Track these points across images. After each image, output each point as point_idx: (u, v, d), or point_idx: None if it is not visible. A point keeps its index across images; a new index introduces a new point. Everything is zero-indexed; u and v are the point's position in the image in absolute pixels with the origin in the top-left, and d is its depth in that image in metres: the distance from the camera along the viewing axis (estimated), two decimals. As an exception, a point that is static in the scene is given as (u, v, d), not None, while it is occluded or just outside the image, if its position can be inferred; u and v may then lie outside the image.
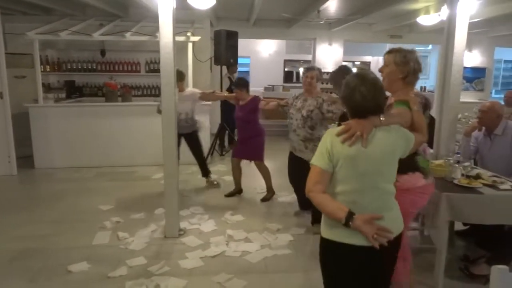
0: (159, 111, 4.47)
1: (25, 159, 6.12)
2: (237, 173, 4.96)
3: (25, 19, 6.72)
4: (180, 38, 6.15)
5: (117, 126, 6.12)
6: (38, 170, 6.04)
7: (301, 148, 3.92)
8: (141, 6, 6.12)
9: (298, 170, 3.83)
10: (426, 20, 6.94)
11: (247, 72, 13.99)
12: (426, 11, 6.86)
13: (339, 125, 2.05)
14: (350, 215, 1.66)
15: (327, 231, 1.79)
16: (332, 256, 1.80)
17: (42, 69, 6.46)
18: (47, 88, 6.83)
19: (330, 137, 1.76)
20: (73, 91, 7.19)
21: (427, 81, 13.40)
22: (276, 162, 5.18)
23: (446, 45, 3.66)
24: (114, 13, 6.87)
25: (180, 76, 4.82)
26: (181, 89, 4.90)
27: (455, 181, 2.94)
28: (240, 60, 7.46)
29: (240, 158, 4.87)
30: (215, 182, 5.34)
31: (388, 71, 2.38)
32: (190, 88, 5.12)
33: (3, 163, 5.72)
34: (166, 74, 3.56)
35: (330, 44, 9.78)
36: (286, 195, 4.92)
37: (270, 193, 4.85)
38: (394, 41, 10.25)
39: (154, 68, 7.35)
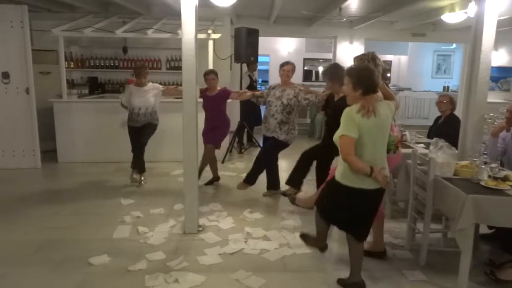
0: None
1: (49, 153, 6.25)
2: (213, 161, 5.18)
3: (51, 16, 6.87)
4: (201, 36, 6.17)
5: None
6: (61, 164, 6.17)
7: (276, 129, 4.52)
8: (163, 4, 6.17)
9: (267, 148, 4.64)
10: (451, 18, 6.77)
11: (267, 71, 13.98)
12: (451, 8, 6.69)
13: (325, 112, 2.86)
14: (372, 169, 2.42)
15: (348, 181, 2.52)
16: (349, 196, 2.55)
17: (66, 66, 6.60)
18: (71, 84, 6.98)
19: (354, 114, 2.42)
20: (96, 87, 7.32)
21: (451, 80, 13.10)
22: (293, 160, 5.13)
23: (474, 43, 3.56)
24: (137, 11, 6.95)
25: (140, 72, 4.94)
26: (143, 84, 4.99)
27: (482, 183, 2.86)
28: (259, 59, 7.45)
29: (211, 144, 5.07)
30: (143, 181, 5.22)
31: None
32: (151, 83, 5.14)
33: (28, 156, 5.87)
34: (188, 71, 3.57)
35: (351, 43, 9.65)
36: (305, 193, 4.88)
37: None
38: (416, 40, 10.07)
39: (174, 65, 7.42)
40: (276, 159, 4.81)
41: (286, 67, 4.57)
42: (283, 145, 4.61)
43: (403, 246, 3.53)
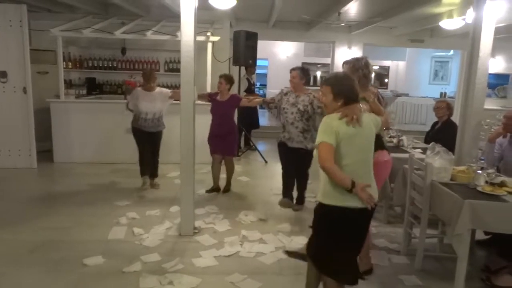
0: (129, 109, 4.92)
1: (45, 153, 6.22)
2: (217, 169, 5.06)
3: (50, 16, 6.86)
4: (200, 38, 6.18)
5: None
6: (57, 164, 6.14)
7: (300, 139, 4.21)
8: (162, 6, 6.16)
9: (296, 161, 4.27)
10: (449, 24, 6.80)
11: (265, 74, 14.00)
12: (450, 15, 6.73)
13: None
14: (353, 183, 2.11)
15: (330, 199, 2.21)
16: (332, 218, 2.23)
17: (64, 66, 6.58)
18: (69, 84, 6.95)
19: (334, 121, 2.20)
20: (94, 88, 7.30)
21: (448, 87, 13.15)
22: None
23: (471, 49, 3.58)
24: (136, 13, 6.94)
25: (149, 77, 4.81)
26: (151, 89, 4.86)
27: (479, 188, 2.86)
28: (258, 62, 7.45)
29: (220, 154, 4.97)
30: (156, 186, 5.16)
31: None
32: (159, 88, 4.98)
33: (24, 156, 5.84)
34: (186, 73, 3.57)
35: (349, 48, 9.68)
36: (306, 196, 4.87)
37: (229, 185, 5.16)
38: (415, 46, 10.11)
39: (173, 67, 7.41)
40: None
41: (291, 74, 4.29)
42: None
43: (399, 251, 3.52)
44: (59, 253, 3.30)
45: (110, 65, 7.39)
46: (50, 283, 2.87)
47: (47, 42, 6.35)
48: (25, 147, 5.82)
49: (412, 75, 13.77)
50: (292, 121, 4.21)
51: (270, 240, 3.68)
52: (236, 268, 3.14)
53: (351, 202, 2.15)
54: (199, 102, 5.28)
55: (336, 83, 2.31)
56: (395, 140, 4.69)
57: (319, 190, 2.30)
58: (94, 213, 4.23)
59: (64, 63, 6.61)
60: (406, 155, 3.77)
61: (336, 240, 2.23)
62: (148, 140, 4.95)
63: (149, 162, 5.05)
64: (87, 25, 6.36)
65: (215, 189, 5.05)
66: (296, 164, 4.33)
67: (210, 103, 4.94)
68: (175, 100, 5.10)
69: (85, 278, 2.95)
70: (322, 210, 2.27)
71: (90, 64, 7.33)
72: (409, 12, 6.54)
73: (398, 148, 4.50)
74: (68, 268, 3.07)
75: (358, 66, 2.98)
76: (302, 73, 4.25)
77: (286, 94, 4.37)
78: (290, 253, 3.36)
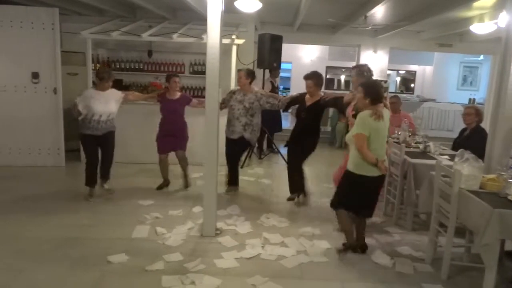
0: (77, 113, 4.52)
1: (73, 153, 6.39)
2: (166, 166, 5.16)
3: (80, 19, 7.06)
4: (226, 41, 6.23)
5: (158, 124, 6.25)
6: (83, 163, 6.26)
7: (241, 130, 4.81)
8: (188, 9, 6.26)
9: (235, 149, 4.95)
10: (480, 28, 6.62)
11: (288, 78, 13.98)
12: (480, 18, 6.55)
13: (354, 116, 3.50)
14: (377, 160, 3.20)
15: (362, 170, 3.26)
16: (359, 182, 3.30)
17: (93, 67, 6.74)
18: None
19: (367, 118, 3.19)
20: (121, 89, 7.42)
21: (477, 93, 12.80)
22: (315, 169, 5.10)
23: (504, 53, 3.47)
24: (163, 15, 7.07)
25: (108, 76, 4.63)
26: (105, 89, 4.62)
27: (509, 197, 2.77)
28: (282, 65, 7.45)
29: (169, 151, 5.08)
30: (111, 191, 4.87)
31: (354, 80, 3.95)
32: (111, 89, 4.74)
33: (53, 155, 6.02)
34: (211, 75, 3.60)
35: (375, 52, 9.56)
36: (325, 201, 4.83)
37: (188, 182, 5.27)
38: (443, 50, 9.89)
39: (197, 69, 7.49)
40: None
41: (239, 73, 4.89)
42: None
43: (424, 259, 3.44)
44: (84, 250, 3.39)
45: (137, 67, 7.54)
46: (73, 279, 2.95)
47: (77, 44, 6.54)
48: (54, 146, 6.00)
49: (440, 80, 13.46)
50: (237, 116, 4.80)
51: (292, 243, 3.66)
52: (257, 270, 3.14)
53: (373, 172, 3.25)
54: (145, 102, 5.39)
55: (366, 86, 3.30)
56: (421, 146, 4.59)
57: (349, 163, 3.35)
58: (118, 211, 4.32)
59: (93, 64, 6.77)
60: (433, 162, 3.69)
61: (362, 195, 3.35)
62: (100, 144, 4.69)
63: (101, 168, 4.76)
64: (115, 28, 6.51)
65: (166, 184, 5.19)
66: (234, 152, 4.99)
67: (159, 103, 5.05)
68: (128, 101, 5.03)
69: (108, 275, 3.01)
70: (354, 177, 3.30)
71: (118, 66, 7.49)
72: (438, 16, 6.40)
73: (424, 154, 4.40)
74: (91, 264, 3.14)
75: (363, 70, 3.87)
76: (247, 74, 4.85)
77: (234, 92, 4.97)
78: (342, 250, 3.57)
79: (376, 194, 3.41)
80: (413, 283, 3.07)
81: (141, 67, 7.54)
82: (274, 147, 7.61)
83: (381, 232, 4.03)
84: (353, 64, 10.47)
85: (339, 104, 4.35)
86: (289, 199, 4.83)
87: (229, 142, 4.95)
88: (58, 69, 5.87)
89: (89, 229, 3.82)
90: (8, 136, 5.90)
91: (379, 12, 6.87)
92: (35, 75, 5.85)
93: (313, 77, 4.52)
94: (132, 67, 7.53)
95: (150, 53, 7.51)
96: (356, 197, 3.35)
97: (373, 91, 3.25)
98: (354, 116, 3.61)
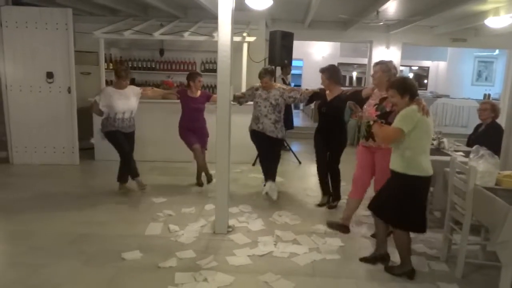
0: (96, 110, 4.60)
1: (87, 151, 6.48)
2: (203, 157, 5.17)
3: (92, 19, 7.14)
4: (236, 39, 6.23)
5: (172, 122, 6.28)
6: (97, 161, 6.37)
7: (272, 129, 4.70)
8: (199, 7, 6.27)
9: (269, 147, 4.79)
10: (495, 22, 6.49)
11: (300, 75, 13.92)
12: (496, 12, 6.42)
13: (319, 110, 3.88)
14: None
15: (416, 170, 2.90)
16: (412, 184, 2.94)
17: (106, 67, 6.82)
18: (110, 84, 7.19)
19: (415, 113, 2.86)
20: (134, 88, 7.52)
21: (492, 88, 12.56)
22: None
23: (520, 48, 3.39)
24: (174, 14, 7.11)
25: (126, 73, 4.58)
26: (123, 87, 4.62)
27: (526, 194, 2.71)
28: (293, 63, 7.42)
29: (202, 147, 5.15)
30: (144, 185, 4.80)
31: (378, 76, 3.66)
32: (130, 86, 4.73)
33: (67, 153, 6.11)
34: (223, 73, 3.61)
35: (387, 47, 9.45)
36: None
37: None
38: (457, 45, 9.72)
39: (209, 67, 7.51)
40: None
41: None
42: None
43: (438, 257, 3.40)
44: (98, 246, 3.43)
45: (149, 66, 7.60)
46: (90, 275, 2.99)
47: (90, 44, 6.62)
48: (69, 144, 6.09)
49: (454, 75, 13.25)
50: (265, 113, 4.68)
51: (304, 241, 3.65)
52: (270, 267, 3.14)
53: (426, 172, 2.94)
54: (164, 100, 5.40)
55: (400, 85, 2.96)
56: (435, 142, 4.52)
57: (397, 164, 2.98)
58: (132, 209, 4.37)
59: (106, 64, 6.85)
60: (447, 158, 3.64)
61: (414, 202, 2.99)
62: (127, 141, 4.69)
63: (129, 162, 4.73)
64: (128, 27, 6.58)
65: (210, 177, 5.24)
66: (267, 150, 4.86)
67: (178, 100, 5.07)
68: (147, 98, 5.01)
69: (123, 272, 3.04)
70: (406, 179, 2.94)
71: (130, 65, 7.55)
72: (452, 10, 6.30)
73: (438, 150, 4.34)
74: (106, 261, 3.19)
75: (390, 66, 3.69)
76: (271, 75, 4.78)
77: (257, 89, 4.81)
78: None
79: (424, 200, 3.03)
80: (427, 281, 3.04)
81: (153, 66, 7.60)
82: (286, 145, 7.59)
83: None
84: (365, 60, 10.42)
85: (358, 98, 4.03)
86: (321, 204, 4.67)
87: (261, 136, 4.74)
88: (72, 69, 5.95)
89: (103, 226, 3.87)
90: (24, 135, 6.01)
91: (391, 7, 6.79)
92: (50, 75, 5.93)
93: (326, 71, 4.43)
94: (144, 66, 7.59)
95: (162, 52, 7.56)
96: (414, 204, 2.93)
97: (409, 86, 2.93)
98: (379, 116, 3.43)
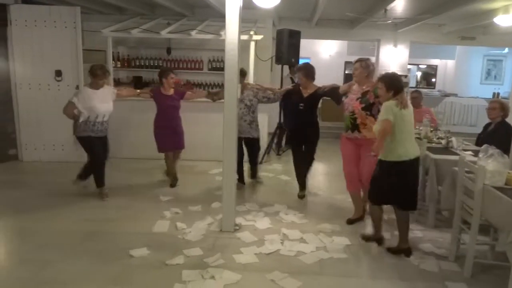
0: None
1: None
2: (173, 161, 5.11)
3: (100, 17, 7.18)
4: (244, 37, 6.21)
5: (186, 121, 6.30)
6: (109, 159, 6.39)
7: (248, 129, 4.89)
8: (206, 6, 6.28)
9: (242, 149, 4.94)
10: (505, 20, 6.42)
11: (306, 73, 13.87)
12: (506, 10, 6.35)
13: (363, 109, 3.83)
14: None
15: (397, 156, 3.27)
16: (396, 169, 3.29)
17: (114, 65, 6.87)
18: (117, 82, 7.25)
19: (392, 106, 3.22)
20: (140, 86, 7.53)
21: (501, 87, 12.42)
22: (335, 165, 5.05)
23: (531, 46, 3.35)
24: (181, 13, 7.12)
25: (97, 72, 4.27)
26: (100, 86, 4.35)
27: (536, 194, 2.68)
28: (300, 61, 7.41)
29: (175, 149, 5.07)
30: (107, 194, 4.60)
31: (358, 72, 3.93)
32: (105, 86, 4.44)
33: (78, 150, 6.13)
34: (230, 71, 3.61)
35: (395, 46, 9.41)
36: (342, 198, 4.80)
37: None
38: (465, 43, 9.65)
39: (216, 66, 7.54)
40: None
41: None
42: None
43: (447, 256, 3.37)
44: (106, 244, 3.46)
45: (156, 64, 7.64)
46: (98, 272, 3.01)
47: (98, 42, 6.65)
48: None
49: (462, 74, 13.12)
50: (241, 115, 4.79)
51: (311, 239, 3.64)
52: (276, 266, 3.14)
53: (410, 155, 3.29)
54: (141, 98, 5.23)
55: (388, 80, 3.33)
56: (443, 142, 4.49)
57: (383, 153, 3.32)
58: (139, 206, 4.39)
59: (113, 62, 6.90)
60: (455, 157, 3.61)
61: (399, 184, 3.33)
62: (101, 146, 4.47)
63: (100, 168, 4.55)
64: (135, 26, 6.60)
65: (176, 180, 5.13)
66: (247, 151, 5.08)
67: (152, 99, 4.97)
68: (123, 97, 4.83)
69: (130, 269, 3.06)
70: (387, 165, 3.32)
71: (137, 63, 7.61)
72: (461, 8, 6.25)
73: (447, 149, 4.31)
74: (114, 258, 3.21)
75: (369, 63, 3.96)
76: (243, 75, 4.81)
77: None
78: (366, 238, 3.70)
79: (414, 181, 3.36)
80: (435, 281, 3.02)
81: (160, 64, 7.63)
82: (293, 143, 7.57)
83: (402, 228, 3.97)
84: (373, 59, 10.35)
85: (336, 94, 4.47)
86: (302, 196, 4.85)
87: (240, 142, 4.80)
88: (80, 67, 5.99)
89: (111, 223, 3.90)
90: (33, 132, 6.06)
91: (399, 5, 6.75)
92: (58, 73, 5.98)
93: (303, 69, 4.67)
94: (152, 64, 7.64)
95: (169, 50, 7.60)
96: (403, 186, 3.29)
97: (395, 82, 3.31)
98: (363, 109, 3.85)
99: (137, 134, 6.38)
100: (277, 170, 6.14)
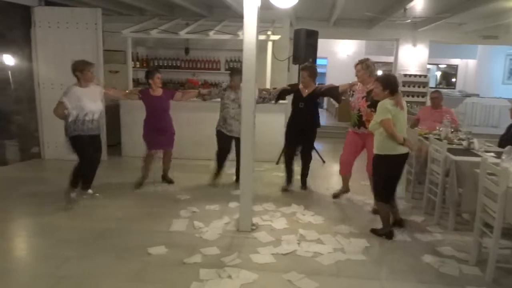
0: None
1: (114, 147, 6.63)
2: (152, 163, 5.05)
3: (120, 18, 7.30)
4: (261, 37, 6.24)
5: (196, 120, 6.36)
6: (124, 157, 6.52)
7: (240, 129, 4.74)
8: (224, 6, 6.32)
9: (230, 148, 5.02)
10: (529, 19, 6.26)
11: (324, 74, 13.80)
12: (530, 8, 6.19)
13: (369, 106, 4.12)
14: (404, 139, 3.54)
15: (384, 151, 3.60)
16: (386, 162, 3.62)
17: (133, 65, 6.97)
18: (136, 82, 7.35)
19: (389, 106, 3.50)
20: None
21: (525, 87, 12.11)
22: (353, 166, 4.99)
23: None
24: (199, 13, 7.18)
25: (84, 67, 4.26)
26: (87, 80, 4.30)
27: None
28: (317, 61, 7.37)
29: (161, 149, 5.03)
30: (96, 196, 4.59)
31: (361, 74, 4.29)
32: (93, 85, 4.40)
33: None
34: (248, 71, 3.62)
35: (414, 45, 9.28)
36: (360, 199, 4.76)
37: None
38: (487, 42, 9.46)
39: (233, 66, 7.55)
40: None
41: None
42: None
43: (467, 260, 3.31)
44: (125, 241, 3.52)
45: (174, 64, 7.71)
46: (117, 269, 3.07)
47: (118, 43, 6.77)
48: (97, 141, 6.24)
49: (484, 74, 12.84)
50: (233, 115, 4.84)
51: (328, 241, 3.63)
52: (293, 266, 3.14)
53: (401, 150, 3.59)
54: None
55: (384, 80, 3.63)
56: (464, 143, 4.40)
57: (375, 147, 3.68)
58: (157, 205, 4.44)
59: (133, 62, 7.00)
60: (477, 159, 3.54)
61: (387, 176, 3.67)
62: (92, 145, 4.39)
63: (91, 172, 4.49)
64: (154, 26, 6.69)
65: (144, 180, 5.03)
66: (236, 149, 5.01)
67: (141, 100, 4.90)
68: (110, 97, 4.84)
69: (149, 266, 3.10)
70: (381, 158, 3.64)
71: (156, 64, 7.69)
72: (482, 7, 6.11)
73: (468, 151, 4.22)
74: (133, 255, 3.26)
75: (369, 64, 4.26)
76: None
77: (225, 89, 5.01)
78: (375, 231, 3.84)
79: (399, 174, 3.71)
80: (456, 285, 2.97)
81: (178, 65, 7.71)
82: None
83: (422, 231, 3.91)
84: (391, 58, 10.24)
85: (334, 93, 4.85)
86: (284, 189, 5.09)
87: (227, 138, 4.97)
88: (101, 67, 6.10)
89: (130, 221, 3.96)
90: (54, 131, 6.16)
91: (419, 4, 6.66)
92: (80, 73, 6.09)
93: (309, 69, 4.83)
94: (170, 64, 7.71)
95: (187, 51, 7.66)
96: (391, 177, 3.65)
97: (390, 82, 3.61)
98: (369, 106, 4.15)
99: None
100: (295, 170, 6.10)
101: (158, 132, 4.91)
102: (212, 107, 5.84)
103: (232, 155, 5.10)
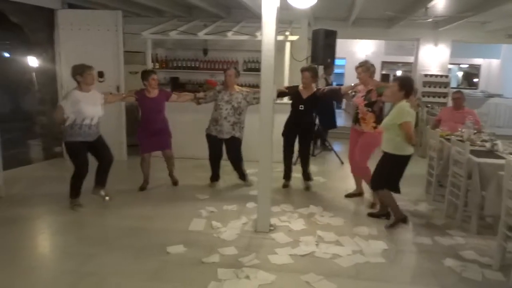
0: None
1: (134, 147, 6.71)
2: (148, 166, 5.03)
3: (140, 20, 7.40)
4: (279, 38, 6.20)
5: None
6: (144, 158, 6.59)
7: (229, 130, 4.90)
8: (242, 7, 6.32)
9: (221, 150, 5.08)
10: (556, 17, 6.06)
11: (342, 74, 13.68)
12: (557, 6, 5.98)
13: (366, 105, 4.41)
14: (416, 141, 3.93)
15: (401, 151, 3.82)
16: (401, 162, 3.88)
17: (152, 66, 7.05)
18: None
19: (407, 108, 3.73)
20: (177, 87, 7.70)
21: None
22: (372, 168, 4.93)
23: None
24: (217, 14, 7.22)
25: (85, 70, 4.22)
26: (89, 89, 4.26)
27: None
28: (335, 62, 7.31)
29: (154, 150, 5.03)
30: (109, 197, 4.53)
31: (362, 76, 4.50)
32: (94, 91, 4.36)
33: (116, 149, 6.31)
34: (266, 72, 3.62)
35: (435, 45, 9.10)
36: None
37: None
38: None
39: (251, 67, 7.56)
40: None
41: (229, 72, 4.95)
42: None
43: (491, 265, 3.23)
44: (145, 240, 3.57)
45: (193, 65, 7.77)
46: (137, 267, 3.11)
47: (138, 44, 6.85)
48: (117, 140, 6.33)
49: (508, 74, 12.48)
50: (225, 116, 4.86)
51: (347, 242, 3.60)
52: (312, 268, 3.12)
53: (410, 151, 3.84)
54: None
55: (403, 80, 3.82)
56: (488, 145, 4.30)
57: (389, 146, 3.87)
58: (177, 204, 4.50)
59: (152, 63, 7.08)
60: (501, 161, 3.45)
61: (398, 173, 3.93)
62: (96, 149, 4.37)
63: (100, 173, 4.44)
64: (173, 28, 6.75)
65: (147, 184, 5.03)
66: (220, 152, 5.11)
67: (137, 101, 4.87)
68: (109, 103, 4.68)
69: (168, 265, 3.14)
70: (397, 158, 3.85)
71: (175, 65, 7.77)
72: (507, 5, 5.94)
73: (492, 153, 4.12)
74: (152, 254, 3.30)
75: (369, 65, 4.47)
76: (236, 74, 4.96)
77: (219, 92, 4.99)
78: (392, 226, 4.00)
79: (404, 170, 3.95)
80: (478, 290, 2.90)
81: (197, 65, 7.76)
82: (328, 145, 7.50)
83: (443, 234, 3.84)
84: (411, 58, 10.08)
85: (336, 95, 5.12)
86: (285, 186, 5.29)
87: (217, 142, 5.00)
88: (121, 68, 6.21)
89: (150, 220, 4.01)
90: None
91: (440, 3, 6.53)
92: (101, 74, 6.20)
93: (310, 70, 4.91)
94: (188, 65, 7.77)
95: (205, 52, 7.71)
96: (397, 175, 3.91)
97: (408, 84, 3.77)
98: (366, 105, 4.41)
99: (179, 134, 6.51)
100: (312, 171, 6.04)
101: (152, 133, 4.88)
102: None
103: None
